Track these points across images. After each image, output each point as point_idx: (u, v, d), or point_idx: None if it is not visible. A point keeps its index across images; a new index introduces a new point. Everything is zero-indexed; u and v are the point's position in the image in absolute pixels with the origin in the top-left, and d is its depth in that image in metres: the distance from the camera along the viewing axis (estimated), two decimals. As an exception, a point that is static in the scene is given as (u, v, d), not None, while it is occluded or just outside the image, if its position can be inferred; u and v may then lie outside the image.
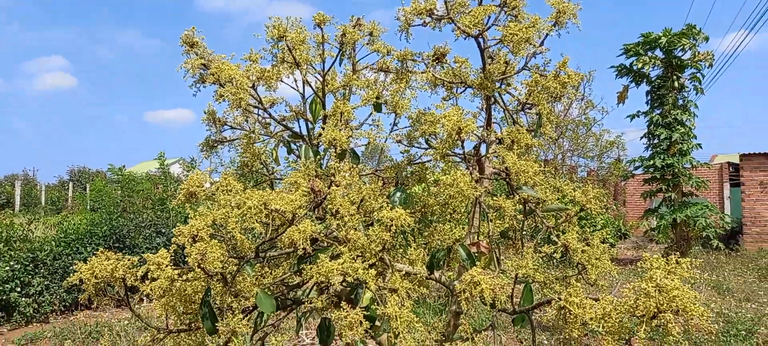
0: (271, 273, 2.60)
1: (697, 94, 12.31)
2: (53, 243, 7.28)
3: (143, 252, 7.05)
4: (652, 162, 12.23)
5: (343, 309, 1.90)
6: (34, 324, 6.79)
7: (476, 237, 2.39)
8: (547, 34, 2.52)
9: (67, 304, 7.16)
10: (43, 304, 6.92)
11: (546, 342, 5.74)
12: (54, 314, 7.03)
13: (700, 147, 12.27)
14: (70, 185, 24.90)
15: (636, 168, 13.25)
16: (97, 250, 7.43)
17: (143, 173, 12.42)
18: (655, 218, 12.68)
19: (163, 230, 8.48)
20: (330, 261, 2.03)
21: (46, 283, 6.98)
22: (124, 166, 9.83)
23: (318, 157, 2.85)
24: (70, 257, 7.30)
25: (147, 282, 2.13)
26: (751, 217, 14.28)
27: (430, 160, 3.02)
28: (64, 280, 7.12)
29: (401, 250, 2.61)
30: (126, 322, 6.32)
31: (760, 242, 13.97)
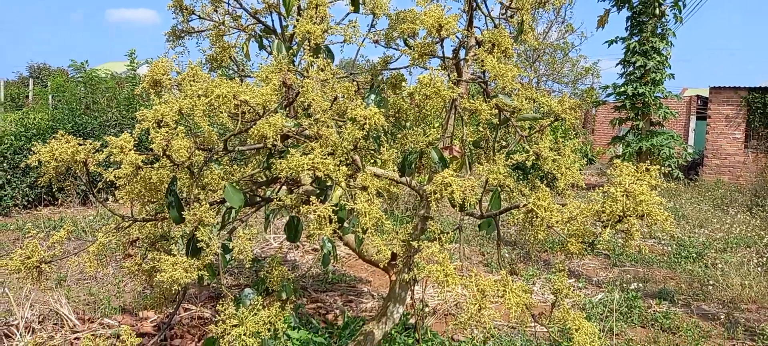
0: (239, 170, 2.55)
1: (676, 22, 12.29)
2: (13, 137, 7.04)
3: (108, 151, 6.85)
4: (624, 89, 12.34)
5: (313, 203, 1.88)
6: (-4, 218, 6.68)
7: (450, 141, 2.37)
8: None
9: (29, 199, 7.03)
10: (5, 198, 6.78)
11: (507, 255, 5.95)
12: (17, 208, 6.91)
13: (673, 78, 12.41)
14: (30, 81, 23.88)
15: (608, 95, 13.37)
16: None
17: (109, 73, 11.94)
18: (621, 146, 12.96)
19: (130, 131, 8.28)
20: (301, 157, 1.98)
21: (7, 177, 6.80)
22: (86, 61, 9.41)
23: (291, 52, 2.74)
24: (31, 152, 7.09)
25: (111, 169, 2.07)
26: (713, 149, 14.73)
27: (408, 65, 2.95)
28: (25, 175, 6.93)
29: (374, 154, 2.58)
30: (91, 218, 6.26)
31: (718, 173, 14.50)
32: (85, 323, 3.82)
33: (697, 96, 20.00)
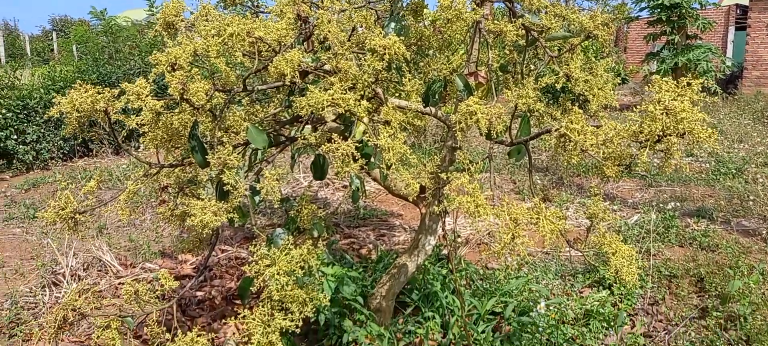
0: (262, 110, 2.51)
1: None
2: (42, 90, 7.14)
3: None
4: (659, 1, 11.70)
5: (335, 141, 1.83)
6: (36, 170, 6.88)
7: (475, 67, 2.27)
8: None
9: (64, 151, 7.20)
10: (42, 152, 6.95)
11: (539, 182, 5.87)
12: (53, 160, 7.09)
13: (711, -15, 11.67)
14: (54, 34, 24.05)
15: (641, 9, 12.73)
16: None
17: (128, 21, 11.89)
18: (655, 63, 12.44)
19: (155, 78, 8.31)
20: (320, 93, 1.92)
21: (41, 132, 6.95)
22: (105, 10, 9.36)
23: (306, -16, 2.63)
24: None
25: (132, 116, 2.06)
26: (753, 60, 14.02)
27: (427, -12, 2.80)
28: (58, 128, 7.06)
29: (395, 84, 2.50)
30: (125, 166, 6.39)
31: (759, 85, 13.86)
32: (127, 268, 3.96)
33: (737, 5, 18.89)
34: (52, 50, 20.84)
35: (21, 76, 7.65)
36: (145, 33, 9.17)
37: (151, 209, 4.97)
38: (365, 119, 1.99)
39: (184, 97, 1.83)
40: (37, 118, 7.00)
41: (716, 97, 12.22)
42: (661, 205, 4.95)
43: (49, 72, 7.96)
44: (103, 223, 4.76)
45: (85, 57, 8.89)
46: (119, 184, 5.74)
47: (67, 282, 3.60)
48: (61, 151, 7.17)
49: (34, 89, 7.14)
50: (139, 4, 11.51)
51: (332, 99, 1.86)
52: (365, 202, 5.09)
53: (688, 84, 1.54)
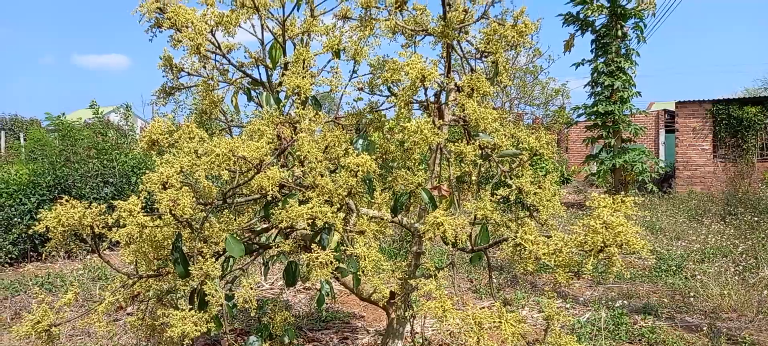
0: (235, 220, 2.65)
1: (638, 42, 12.79)
2: (-6, 194, 6.98)
3: (91, 202, 6.84)
4: (594, 109, 12.73)
5: (315, 251, 1.98)
6: (-21, 277, 6.58)
7: (437, 181, 2.51)
8: (505, -16, 2.60)
9: (13, 256, 6.95)
10: (-12, 257, 6.70)
11: (495, 280, 6.07)
12: (1, 266, 6.82)
13: (640, 95, 12.85)
14: (2, 133, 23.54)
15: (579, 115, 13.76)
16: (42, 200, 7.18)
17: (80, 121, 11.87)
18: (595, 164, 13.30)
19: (111, 180, 8.25)
20: (298, 206, 2.09)
21: (-12, 235, 6.73)
22: (63, 113, 9.37)
23: (280, 104, 2.87)
24: (12, 209, 7.04)
25: (114, 229, 2.15)
26: (683, 161, 15.19)
27: (392, 108, 3.09)
28: (8, 232, 6.84)
29: (366, 196, 2.70)
30: (80, 272, 6.22)
31: (690, 184, 14.94)
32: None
33: (665, 110, 20.65)
34: (-1, 150, 20.30)
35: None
36: (98, 134, 9.17)
37: (106, 316, 4.83)
38: (340, 229, 2.16)
39: (172, 212, 1.96)
40: (-14, 223, 6.80)
41: (653, 196, 13.06)
42: (609, 302, 5.21)
43: (3, 175, 7.80)
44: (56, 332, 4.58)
45: (37, 160, 8.78)
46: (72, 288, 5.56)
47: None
48: (10, 255, 6.92)
49: (-14, 192, 6.98)
50: (84, 104, 11.52)
51: (311, 212, 2.03)
52: (328, 303, 5.12)
53: (622, 201, 1.80)
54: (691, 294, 5.33)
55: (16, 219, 7.02)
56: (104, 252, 6.54)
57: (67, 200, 2.08)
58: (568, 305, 5.30)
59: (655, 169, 14.13)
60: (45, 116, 10.37)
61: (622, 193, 11.91)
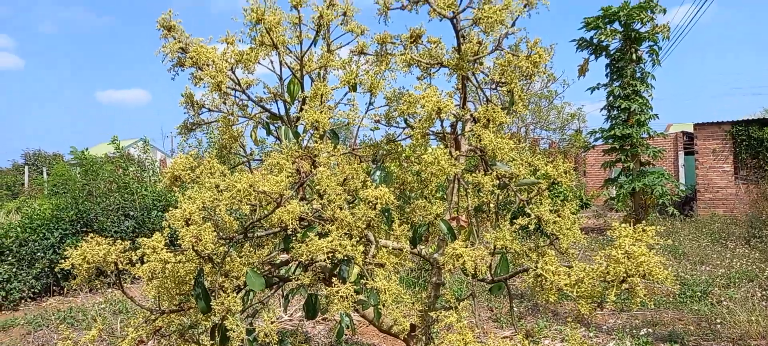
0: (255, 253, 2.67)
1: (654, 65, 12.73)
2: (18, 229, 7.11)
3: (112, 236, 6.94)
4: (611, 133, 12.64)
5: (335, 285, 1.99)
6: (4, 312, 6.66)
7: (455, 211, 2.51)
8: (518, 15, 2.63)
9: (36, 291, 7.04)
10: (12, 292, 6.79)
11: (515, 309, 5.99)
12: (24, 301, 6.91)
13: (657, 117, 12.75)
14: (26, 169, 24.07)
15: (596, 139, 13.66)
16: (65, 235, 7.28)
17: (102, 155, 12.10)
18: (614, 188, 13.15)
19: (132, 213, 8.37)
20: (318, 239, 2.11)
21: (13, 271, 6.84)
22: (87, 149, 9.58)
23: (299, 138, 2.91)
24: (36, 243, 7.16)
25: (137, 265, 2.19)
26: (704, 184, 14.96)
27: (408, 139, 3.12)
28: (31, 266, 6.95)
29: (384, 226, 2.72)
30: (101, 305, 6.28)
31: (712, 207, 14.68)
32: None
33: (683, 132, 20.43)
34: (23, 185, 20.75)
35: (-4, 215, 7.63)
36: (119, 168, 9.32)
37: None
38: (360, 262, 2.17)
39: (195, 248, 1.99)
40: (11, 258, 6.91)
41: (675, 219, 12.85)
42: (634, 330, 5.11)
43: (19, 207, 7.95)
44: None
45: (59, 194, 8.93)
46: (94, 323, 5.61)
47: None
48: (33, 290, 7.01)
49: (11, 228, 7.12)
50: (105, 138, 11.76)
51: (331, 246, 2.05)
52: (347, 335, 5.10)
53: (644, 230, 1.79)
54: (718, 321, 5.21)
55: (39, 253, 7.13)
56: (126, 286, 6.62)
57: (92, 238, 2.13)
58: (591, 334, 5.21)
59: (675, 192, 13.92)
60: (70, 150, 10.59)
61: (644, 216, 11.74)
